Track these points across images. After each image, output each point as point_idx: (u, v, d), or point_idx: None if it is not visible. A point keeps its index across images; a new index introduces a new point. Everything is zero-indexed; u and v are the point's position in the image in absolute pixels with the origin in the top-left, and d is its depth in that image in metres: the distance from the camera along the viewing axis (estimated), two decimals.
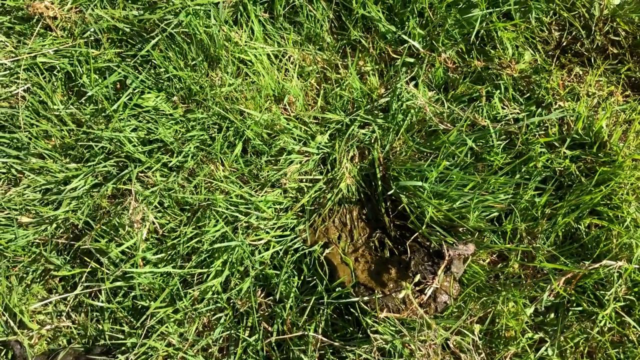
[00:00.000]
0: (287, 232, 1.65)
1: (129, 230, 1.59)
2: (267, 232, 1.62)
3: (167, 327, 1.54)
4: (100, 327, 1.61)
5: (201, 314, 1.57)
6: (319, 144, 1.72)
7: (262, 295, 1.61)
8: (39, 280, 1.66)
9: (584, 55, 1.80)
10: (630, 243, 1.56)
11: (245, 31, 1.82)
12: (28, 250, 1.65)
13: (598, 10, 1.78)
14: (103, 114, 1.73)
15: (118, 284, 1.57)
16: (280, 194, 1.69)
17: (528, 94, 1.76)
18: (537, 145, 1.65)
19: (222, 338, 1.57)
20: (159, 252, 1.62)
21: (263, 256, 1.59)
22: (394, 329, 1.46)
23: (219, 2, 1.75)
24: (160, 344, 1.52)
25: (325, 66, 1.84)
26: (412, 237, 1.56)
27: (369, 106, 1.76)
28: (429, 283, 1.49)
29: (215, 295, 1.57)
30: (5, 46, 1.85)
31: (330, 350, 1.52)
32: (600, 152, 1.64)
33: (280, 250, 1.62)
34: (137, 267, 1.57)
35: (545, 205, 1.63)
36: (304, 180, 1.71)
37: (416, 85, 1.78)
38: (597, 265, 1.45)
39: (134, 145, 1.69)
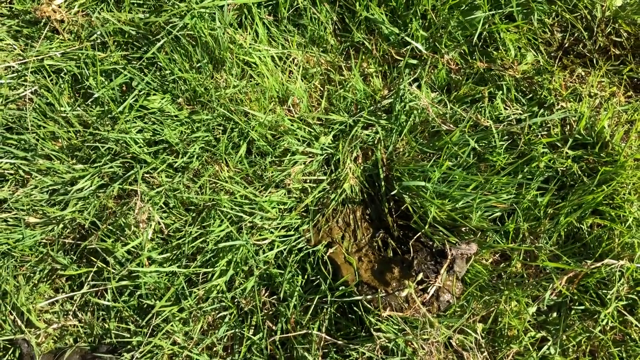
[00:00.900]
0: (291, 232, 1.66)
1: (135, 230, 1.61)
2: (271, 232, 1.64)
3: (172, 325, 1.55)
4: (106, 325, 1.62)
5: (206, 313, 1.58)
6: (323, 144, 1.74)
7: (266, 294, 1.62)
8: (46, 279, 1.68)
9: (586, 56, 1.81)
10: (632, 242, 1.57)
11: (249, 34, 1.84)
12: (35, 250, 1.68)
13: (600, 11, 1.79)
14: (109, 116, 1.75)
15: (124, 283, 1.58)
16: (285, 194, 1.70)
17: (530, 95, 1.77)
18: (539, 146, 1.66)
19: (226, 337, 1.59)
20: (164, 252, 1.64)
21: (267, 256, 1.61)
22: (397, 327, 1.47)
23: (223, 5, 1.77)
24: (166, 343, 1.53)
25: (329, 68, 1.86)
26: (415, 237, 1.57)
27: (372, 107, 1.78)
28: (431, 282, 1.50)
29: (220, 294, 1.58)
30: (13, 49, 1.88)
31: (334, 349, 1.53)
32: (602, 152, 1.64)
33: (284, 249, 1.63)
34: (142, 267, 1.59)
35: (548, 205, 1.63)
36: (308, 181, 1.72)
37: (419, 87, 1.79)
38: (599, 265, 1.46)
39: (140, 147, 1.71)
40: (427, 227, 1.57)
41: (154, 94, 1.77)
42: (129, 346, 1.57)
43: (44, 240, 1.69)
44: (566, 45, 1.83)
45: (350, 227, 1.68)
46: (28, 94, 1.79)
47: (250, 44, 1.81)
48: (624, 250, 1.56)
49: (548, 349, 1.52)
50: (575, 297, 1.56)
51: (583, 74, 1.79)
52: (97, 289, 1.63)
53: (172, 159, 1.70)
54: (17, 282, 1.65)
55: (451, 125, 1.69)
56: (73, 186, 1.69)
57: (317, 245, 1.63)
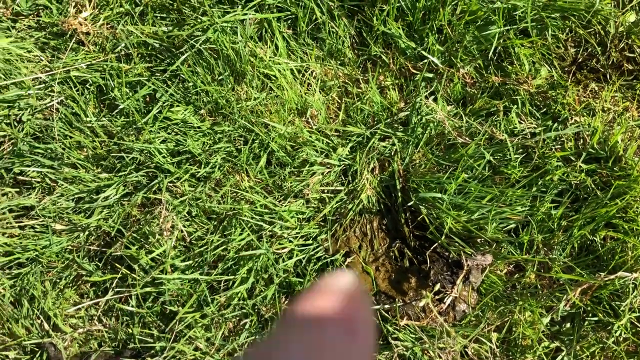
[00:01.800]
0: (310, 241, 1.71)
1: (159, 238, 1.65)
2: (291, 241, 1.68)
3: (194, 331, 1.60)
4: (130, 331, 1.67)
5: (227, 320, 1.63)
6: (341, 156, 1.78)
7: (286, 302, 1.67)
8: (71, 285, 1.73)
9: (600, 71, 1.85)
10: None
11: (269, 47, 1.88)
12: (61, 257, 1.73)
13: (613, 27, 1.83)
14: (134, 126, 1.80)
15: (148, 289, 1.63)
16: (303, 204, 1.75)
17: (544, 109, 1.81)
18: (553, 159, 1.69)
19: (247, 343, 1.63)
20: (186, 259, 1.68)
21: (287, 264, 1.65)
22: (414, 336, 1.51)
23: (244, 20, 1.82)
24: (188, 348, 1.58)
25: (347, 81, 1.90)
26: (432, 248, 1.61)
27: (389, 120, 1.82)
28: (448, 292, 1.54)
29: (241, 302, 1.63)
30: (40, 60, 1.93)
31: None
32: (616, 166, 1.68)
33: (303, 258, 1.68)
34: (166, 274, 1.63)
35: (562, 218, 1.67)
36: (326, 191, 1.77)
37: (435, 100, 1.84)
38: (612, 277, 1.50)
39: (164, 157, 1.76)
40: (443, 238, 1.61)
41: (177, 106, 1.82)
42: (152, 351, 1.62)
43: (69, 247, 1.74)
44: (580, 60, 1.87)
45: (367, 237, 1.72)
46: (55, 104, 1.85)
47: (270, 57, 1.86)
48: (637, 263, 1.59)
49: (562, 359, 1.55)
50: (589, 308, 1.59)
51: (596, 88, 1.82)
52: (121, 295, 1.68)
53: (195, 169, 1.75)
54: (44, 287, 1.70)
55: (467, 138, 1.73)
56: (98, 194, 1.75)
57: (335, 254, 1.67)
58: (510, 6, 1.81)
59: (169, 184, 1.74)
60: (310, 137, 1.78)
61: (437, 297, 1.55)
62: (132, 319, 1.68)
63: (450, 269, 1.59)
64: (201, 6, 1.85)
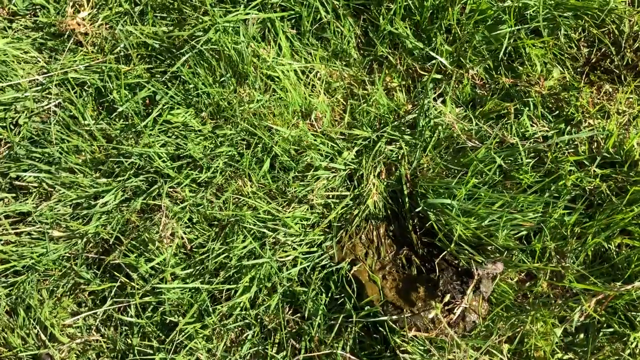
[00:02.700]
0: (314, 249, 1.65)
1: (159, 246, 1.60)
2: (295, 249, 1.63)
3: (195, 342, 1.55)
4: (129, 341, 1.62)
5: (229, 330, 1.58)
6: (346, 160, 1.73)
7: (289, 312, 1.61)
8: (69, 293, 1.69)
9: (614, 72, 1.79)
10: None
11: (273, 47, 1.83)
12: (59, 264, 1.68)
13: (628, 26, 1.77)
14: (133, 130, 1.75)
15: (147, 299, 1.58)
16: (307, 210, 1.69)
17: (557, 112, 1.75)
18: (566, 164, 1.63)
19: (249, 354, 1.58)
20: (187, 268, 1.63)
21: (291, 273, 1.60)
22: (422, 348, 1.46)
23: (247, 19, 1.77)
24: None
25: (352, 82, 1.85)
26: (441, 256, 1.56)
27: (396, 122, 1.77)
28: (457, 302, 1.48)
29: (244, 312, 1.58)
30: (37, 62, 1.88)
31: None
32: (632, 171, 1.62)
33: (308, 267, 1.62)
34: (166, 283, 1.58)
35: (575, 224, 1.61)
36: (331, 197, 1.71)
37: (444, 102, 1.78)
38: (629, 287, 1.44)
39: (164, 161, 1.70)
40: (452, 245, 1.55)
41: (178, 108, 1.77)
42: None
43: (67, 255, 1.69)
44: (593, 60, 1.81)
45: (373, 244, 1.67)
46: (52, 107, 1.80)
47: (273, 58, 1.80)
48: None
49: None
50: (604, 319, 1.54)
51: (611, 90, 1.76)
52: (120, 304, 1.63)
53: (196, 174, 1.69)
54: (41, 296, 1.66)
55: (477, 142, 1.68)
56: (96, 200, 1.69)
57: (341, 262, 1.62)
58: (521, 5, 1.75)
59: (169, 190, 1.69)
60: (314, 140, 1.73)
61: (446, 307, 1.49)
62: (131, 329, 1.63)
63: (460, 278, 1.53)
64: (202, 5, 1.80)
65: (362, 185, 1.70)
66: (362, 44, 1.89)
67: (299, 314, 1.60)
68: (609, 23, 1.78)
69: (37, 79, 1.84)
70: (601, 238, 1.57)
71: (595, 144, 1.68)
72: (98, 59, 1.85)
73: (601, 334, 1.54)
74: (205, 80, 1.76)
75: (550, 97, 1.76)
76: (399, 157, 1.73)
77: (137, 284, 1.59)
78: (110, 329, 1.64)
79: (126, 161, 1.70)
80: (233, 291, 1.59)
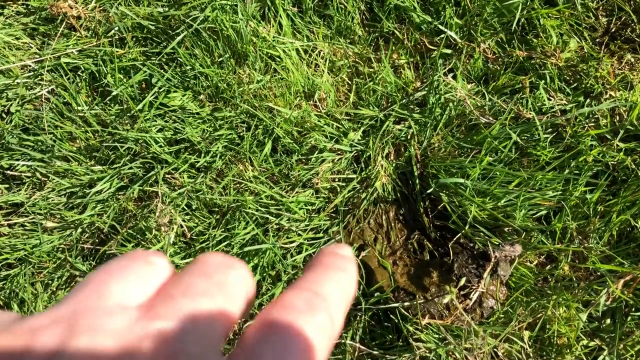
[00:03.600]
0: (320, 235, 1.56)
1: (156, 234, 1.52)
2: (299, 235, 1.54)
3: None
4: None
5: None
6: (352, 141, 1.64)
7: None
8: (64, 286, 1.61)
9: (635, 41, 1.68)
10: None
11: (273, 26, 1.74)
12: (53, 256, 1.60)
13: None
14: (128, 114, 1.67)
15: None
16: (312, 194, 1.60)
17: (575, 84, 1.64)
18: (587, 138, 1.53)
19: None
20: (187, 257, 1.55)
21: (295, 260, 1.51)
22: (437, 336, 1.36)
23: None
24: None
25: (357, 60, 1.76)
26: (455, 239, 1.46)
27: (404, 100, 1.67)
28: (474, 287, 1.39)
29: None
30: (29, 48, 1.81)
31: None
32: None
33: (314, 253, 1.53)
34: None
35: (598, 202, 1.51)
36: (337, 180, 1.62)
37: (454, 78, 1.68)
38: None
39: (160, 146, 1.62)
40: (467, 227, 1.46)
41: (175, 91, 1.69)
42: None
43: (62, 246, 1.61)
44: (613, 30, 1.70)
45: (383, 229, 1.58)
46: (44, 94, 1.72)
47: (274, 37, 1.72)
48: None
49: (604, 359, 1.39)
50: (632, 302, 1.43)
51: (633, 60, 1.66)
52: None
53: (194, 159, 1.61)
54: (35, 289, 1.58)
55: (490, 118, 1.58)
56: (91, 188, 1.62)
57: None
58: None
59: (166, 176, 1.60)
60: (318, 121, 1.64)
61: (461, 292, 1.40)
62: None
63: (475, 262, 1.44)
64: None
65: (370, 167, 1.61)
66: (367, 20, 1.80)
67: None
68: None
69: (29, 65, 1.77)
70: (627, 216, 1.47)
71: (618, 116, 1.57)
72: (92, 43, 1.77)
73: (629, 318, 1.43)
74: (203, 61, 1.68)
75: (568, 69, 1.66)
76: (408, 137, 1.64)
77: None
78: None
79: (121, 147, 1.62)
80: None
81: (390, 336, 1.46)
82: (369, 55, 1.75)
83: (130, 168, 1.62)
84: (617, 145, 1.52)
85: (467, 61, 1.72)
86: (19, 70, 1.76)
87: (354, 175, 1.62)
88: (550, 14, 1.69)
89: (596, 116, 1.57)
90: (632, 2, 1.68)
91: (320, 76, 1.72)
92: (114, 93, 1.67)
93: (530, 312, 1.44)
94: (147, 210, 1.56)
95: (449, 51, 1.72)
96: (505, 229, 1.51)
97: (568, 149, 1.54)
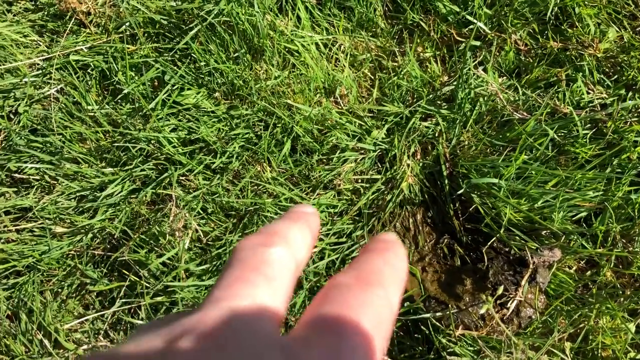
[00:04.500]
0: (344, 239, 1.47)
1: (170, 240, 1.44)
2: (322, 239, 1.45)
3: None
4: None
5: None
6: (376, 139, 1.54)
7: None
8: (74, 295, 1.53)
9: None
10: None
11: (291, 19, 1.65)
12: (63, 263, 1.53)
13: None
14: (140, 114, 1.59)
15: (159, 299, 1.42)
16: (334, 196, 1.51)
17: (616, 76, 1.54)
18: (630, 134, 1.42)
19: None
20: (203, 263, 1.46)
21: (318, 266, 1.42)
22: (472, 348, 1.26)
23: None
24: None
25: (380, 54, 1.66)
26: (489, 243, 1.36)
27: (431, 96, 1.57)
28: (511, 295, 1.29)
29: None
30: (38, 45, 1.74)
31: None
32: None
33: (337, 259, 1.44)
34: (179, 280, 1.42)
35: None
36: (360, 181, 1.53)
37: (484, 71, 1.58)
38: None
39: (174, 146, 1.54)
40: (502, 230, 1.36)
41: (189, 89, 1.60)
42: None
43: (72, 252, 1.54)
44: None
45: (410, 233, 1.48)
46: (53, 93, 1.65)
47: (292, 31, 1.63)
48: None
49: None
50: None
51: None
52: (129, 305, 1.47)
53: (210, 160, 1.53)
54: (44, 298, 1.50)
55: (524, 114, 1.47)
56: (102, 191, 1.54)
57: None
58: None
59: (180, 178, 1.52)
60: (340, 119, 1.54)
61: (498, 301, 1.30)
62: None
63: (512, 268, 1.34)
64: None
65: (395, 167, 1.51)
66: (390, 12, 1.70)
67: None
68: None
69: (38, 64, 1.70)
70: None
71: None
72: (102, 40, 1.70)
73: None
74: (218, 57, 1.59)
75: (607, 60, 1.55)
76: (436, 134, 1.54)
77: (148, 283, 1.43)
78: (120, 332, 1.48)
79: (133, 148, 1.54)
80: None
81: (421, 348, 1.36)
82: (393, 48, 1.65)
83: (143, 170, 1.54)
84: None
85: (498, 53, 1.62)
86: (27, 68, 1.69)
87: (379, 176, 1.52)
88: (586, 2, 1.58)
89: None
90: None
91: (341, 71, 1.63)
92: (125, 91, 1.59)
93: (572, 322, 1.34)
94: (161, 214, 1.48)
95: (478, 43, 1.62)
96: (543, 233, 1.40)
97: (610, 146, 1.43)
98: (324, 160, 1.55)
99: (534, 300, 1.31)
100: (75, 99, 1.63)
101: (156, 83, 1.66)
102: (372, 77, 1.65)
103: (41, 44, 1.74)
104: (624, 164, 1.43)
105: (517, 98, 1.51)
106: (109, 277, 1.51)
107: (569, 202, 1.38)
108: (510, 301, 1.28)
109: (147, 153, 1.57)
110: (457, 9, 1.61)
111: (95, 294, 1.53)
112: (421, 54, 1.65)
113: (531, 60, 1.59)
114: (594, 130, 1.46)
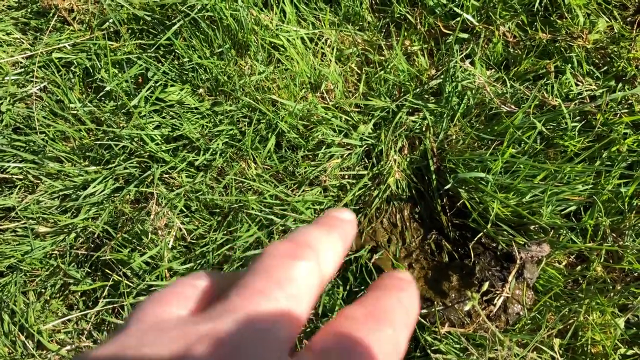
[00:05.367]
0: None
1: (153, 238, 1.42)
2: None
3: None
4: None
5: None
6: (362, 134, 1.52)
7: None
8: (58, 295, 1.51)
9: None
10: None
11: (276, 13, 1.63)
12: (46, 263, 1.51)
13: None
14: (123, 111, 1.57)
15: (142, 298, 1.40)
16: (320, 192, 1.49)
17: (605, 68, 1.51)
18: (620, 126, 1.40)
19: None
20: (187, 262, 1.44)
21: None
22: (458, 346, 1.24)
23: None
24: None
25: (367, 48, 1.63)
26: (476, 239, 1.34)
27: (418, 90, 1.55)
28: (498, 291, 1.26)
29: None
30: (21, 43, 1.72)
31: None
32: None
33: None
34: (162, 280, 1.40)
35: (633, 196, 1.38)
36: (346, 177, 1.51)
37: (472, 64, 1.55)
38: None
39: (157, 144, 1.52)
40: (489, 226, 1.33)
41: (172, 85, 1.58)
42: None
43: (55, 252, 1.52)
44: None
45: (397, 229, 1.46)
46: (36, 91, 1.63)
47: (277, 25, 1.60)
48: None
49: None
50: None
51: None
52: (113, 305, 1.45)
53: (193, 157, 1.51)
54: (27, 298, 1.49)
55: (513, 107, 1.45)
56: (85, 190, 1.52)
57: (360, 250, 1.41)
58: None
59: (164, 175, 1.50)
60: (326, 114, 1.52)
61: (484, 298, 1.27)
62: None
63: (499, 263, 1.31)
64: None
65: (382, 163, 1.49)
66: (377, 4, 1.67)
67: (312, 311, 1.40)
68: None
69: (20, 62, 1.68)
70: None
71: None
72: (85, 37, 1.68)
73: None
74: (202, 52, 1.57)
75: (597, 51, 1.52)
76: (423, 129, 1.52)
77: (131, 283, 1.41)
78: (104, 333, 1.46)
79: (116, 146, 1.52)
80: None
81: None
82: (380, 42, 1.63)
83: (126, 168, 1.52)
84: None
85: (486, 46, 1.59)
86: (10, 67, 1.67)
87: (365, 172, 1.50)
88: None
89: (630, 101, 1.44)
90: None
91: (327, 66, 1.60)
92: (107, 88, 1.57)
93: (561, 318, 1.31)
94: (144, 212, 1.45)
95: (465, 35, 1.59)
96: (531, 227, 1.38)
97: (599, 138, 1.40)
98: (310, 156, 1.52)
99: (521, 296, 1.29)
100: (58, 97, 1.61)
101: (140, 80, 1.64)
102: (359, 72, 1.63)
103: (24, 41, 1.72)
104: (613, 156, 1.40)
105: (505, 91, 1.49)
106: (93, 277, 1.49)
107: (558, 196, 1.36)
108: (497, 297, 1.25)
109: (130, 151, 1.55)
110: (445, 1, 1.59)
111: (79, 294, 1.51)
112: (408, 47, 1.62)
113: (519, 53, 1.56)
114: (583, 122, 1.43)
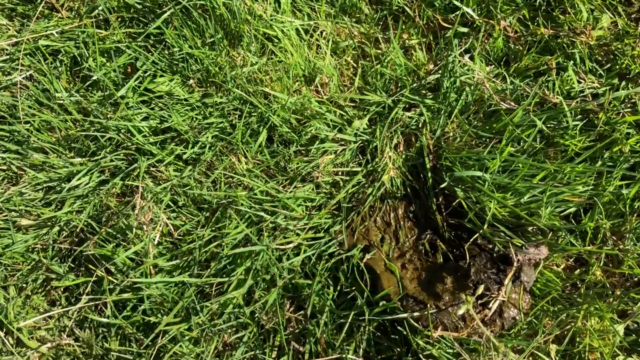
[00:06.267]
0: (321, 234, 1.40)
1: (138, 233, 1.37)
2: (297, 234, 1.38)
3: (181, 346, 1.31)
4: (107, 345, 1.39)
5: (221, 331, 1.34)
6: (357, 130, 1.47)
7: (291, 310, 1.37)
8: (39, 290, 1.47)
9: None
10: None
11: (270, 3, 1.58)
12: (27, 257, 1.46)
13: None
14: (110, 101, 1.52)
15: (125, 296, 1.35)
16: (312, 189, 1.45)
17: (609, 65, 1.46)
18: (622, 125, 1.36)
19: (245, 359, 1.34)
20: (173, 258, 1.40)
21: (292, 262, 1.35)
22: (451, 351, 1.20)
23: None
24: None
25: (363, 40, 1.59)
26: (472, 240, 1.29)
27: (415, 85, 1.50)
28: (493, 295, 1.22)
29: (237, 309, 1.33)
30: (7, 30, 1.67)
31: None
32: None
33: (313, 255, 1.37)
34: (147, 276, 1.35)
35: (635, 198, 1.34)
36: (340, 173, 1.46)
37: (471, 59, 1.51)
38: None
39: (145, 136, 1.47)
40: (485, 226, 1.29)
41: (162, 76, 1.54)
42: None
43: (37, 246, 1.47)
44: None
45: (390, 228, 1.42)
46: (21, 80, 1.58)
47: (271, 15, 1.56)
48: None
49: None
50: None
51: None
52: (96, 302, 1.40)
53: (181, 150, 1.46)
54: (7, 293, 1.44)
55: (512, 104, 1.41)
56: (70, 182, 1.47)
57: (352, 249, 1.37)
58: None
59: (151, 169, 1.46)
60: (320, 108, 1.48)
61: (479, 301, 1.23)
62: (108, 330, 1.40)
63: (495, 266, 1.27)
64: None
65: (377, 159, 1.45)
66: None
67: (302, 312, 1.35)
68: None
69: (6, 49, 1.63)
70: None
71: None
72: (73, 24, 1.62)
73: None
74: (193, 42, 1.52)
75: (600, 48, 1.48)
76: (420, 125, 1.47)
77: (115, 279, 1.37)
78: (86, 330, 1.42)
79: (103, 137, 1.47)
80: (225, 285, 1.35)
81: (399, 349, 1.30)
82: (377, 35, 1.58)
83: (112, 160, 1.47)
84: None
85: (486, 40, 1.55)
86: None
87: (359, 168, 1.46)
88: None
89: (633, 100, 1.39)
90: None
91: (322, 58, 1.55)
92: (94, 77, 1.52)
93: (558, 323, 1.27)
94: (130, 206, 1.41)
95: (465, 30, 1.55)
96: (529, 229, 1.34)
97: (601, 138, 1.37)
98: (302, 152, 1.48)
99: (518, 300, 1.25)
100: (44, 86, 1.56)
101: (129, 70, 1.59)
102: (355, 65, 1.58)
103: (10, 28, 1.67)
104: (615, 157, 1.36)
105: (504, 87, 1.45)
106: (76, 272, 1.45)
107: (557, 197, 1.32)
108: (493, 301, 1.21)
109: (116, 143, 1.50)
110: None
111: (61, 289, 1.46)
112: (406, 41, 1.58)
113: (520, 48, 1.52)
114: (584, 121, 1.39)
